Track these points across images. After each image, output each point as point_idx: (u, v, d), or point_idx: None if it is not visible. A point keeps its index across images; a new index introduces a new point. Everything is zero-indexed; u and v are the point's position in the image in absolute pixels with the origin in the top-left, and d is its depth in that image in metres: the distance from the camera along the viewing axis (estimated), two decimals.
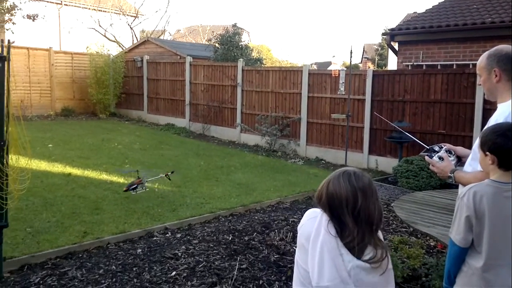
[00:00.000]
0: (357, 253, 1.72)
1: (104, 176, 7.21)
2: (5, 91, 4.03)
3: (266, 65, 17.78)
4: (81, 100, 15.64)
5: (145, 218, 5.36)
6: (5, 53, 4.08)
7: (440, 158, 2.48)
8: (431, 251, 4.68)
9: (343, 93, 8.05)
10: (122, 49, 19.44)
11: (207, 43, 18.71)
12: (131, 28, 23.14)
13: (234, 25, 15.04)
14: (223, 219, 5.61)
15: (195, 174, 7.84)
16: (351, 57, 7.35)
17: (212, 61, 13.90)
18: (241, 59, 12.18)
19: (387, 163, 8.77)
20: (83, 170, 7.51)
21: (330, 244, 1.71)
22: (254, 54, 16.94)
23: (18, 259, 4.09)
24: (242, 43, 14.77)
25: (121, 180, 7.04)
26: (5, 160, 4.14)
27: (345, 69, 8.10)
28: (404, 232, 5.33)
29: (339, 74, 9.01)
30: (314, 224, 1.78)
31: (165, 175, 6.42)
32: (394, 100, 8.92)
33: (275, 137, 10.62)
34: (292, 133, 10.58)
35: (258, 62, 14.57)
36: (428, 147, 2.60)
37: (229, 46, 14.07)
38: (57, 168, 7.59)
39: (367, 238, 1.74)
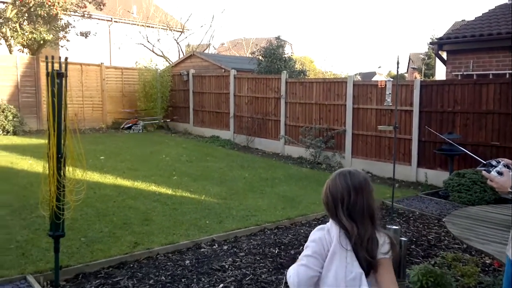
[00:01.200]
0: (371, 245, 1.86)
1: (153, 188, 7.42)
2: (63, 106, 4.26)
3: (309, 77, 17.75)
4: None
5: (193, 229, 5.46)
6: (63, 70, 4.32)
7: (499, 173, 2.38)
8: (487, 269, 4.47)
9: (390, 104, 7.89)
10: (169, 63, 20.02)
11: (250, 56, 18.93)
12: (178, 43, 23.80)
13: (278, 38, 15.16)
14: (268, 232, 5.61)
15: (240, 186, 7.91)
16: (397, 67, 7.19)
17: (256, 74, 14.04)
18: (285, 71, 12.24)
19: (437, 177, 8.49)
20: (133, 181, 7.76)
21: (340, 254, 1.87)
22: (297, 66, 16.96)
23: (73, 268, 4.26)
24: (285, 55, 14.85)
25: (170, 191, 7.22)
26: (62, 172, 4.36)
27: (391, 79, 7.93)
28: (457, 249, 5.13)
29: (385, 85, 8.85)
30: (326, 240, 1.92)
31: (163, 121, 6.81)
32: (443, 111, 8.65)
33: (320, 149, 10.54)
34: (337, 145, 10.46)
35: (302, 74, 14.58)
36: (485, 162, 2.51)
37: (273, 58, 14.18)
38: (109, 179, 7.88)
39: (371, 229, 1.89)
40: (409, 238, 5.44)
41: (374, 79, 33.28)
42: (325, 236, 1.92)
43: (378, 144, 9.70)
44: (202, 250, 4.89)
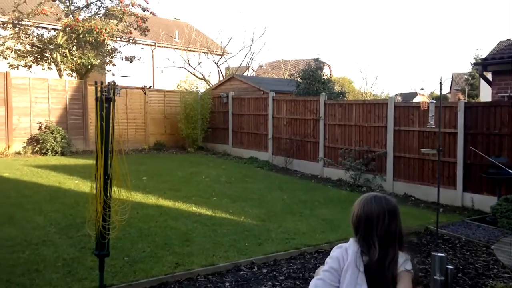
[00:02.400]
0: (392, 266, 1.95)
1: (193, 209, 7.52)
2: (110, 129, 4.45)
3: (348, 98, 17.66)
4: (172, 134, 16.62)
5: (232, 251, 5.48)
6: (111, 95, 4.52)
7: None
8: None
9: (433, 126, 7.71)
10: (209, 86, 20.47)
11: (289, 78, 19.09)
12: (218, 66, 24.32)
13: (316, 60, 15.21)
14: (308, 256, 5.55)
15: (279, 209, 7.89)
16: (441, 88, 7.05)
17: (295, 96, 14.11)
18: (323, 93, 12.23)
19: (485, 202, 8.14)
20: (174, 202, 7.90)
21: (352, 273, 1.96)
22: (336, 87, 16.92)
23: (117, 287, 4.35)
24: (324, 77, 14.86)
25: (209, 212, 7.29)
26: (108, 192, 4.51)
27: (434, 101, 7.77)
28: (507, 278, 4.88)
29: (428, 106, 8.67)
30: (343, 257, 2.02)
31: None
32: (489, 134, 8.36)
33: (360, 172, 10.38)
34: (377, 168, 10.27)
35: (341, 95, 14.51)
36: None
37: (311, 80, 14.22)
38: (151, 199, 8.06)
39: (396, 252, 1.99)
40: (456, 265, 5.23)
41: (415, 100, 32.65)
42: (343, 254, 2.03)
43: (421, 167, 9.45)
44: (242, 272, 4.89)
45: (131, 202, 7.34)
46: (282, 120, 13.36)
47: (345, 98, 14.99)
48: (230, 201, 8.24)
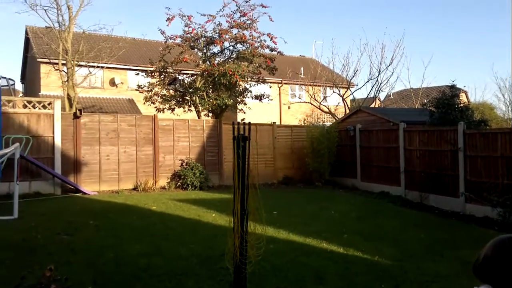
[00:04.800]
0: None
1: (324, 245, 7.43)
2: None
3: (491, 126, 16.05)
4: (299, 169, 16.84)
5: None
6: (246, 134, 4.83)
7: None
8: None
9: None
10: (335, 119, 20.42)
11: (420, 107, 18.11)
12: (343, 99, 24.22)
13: (452, 87, 14.22)
14: None
15: (416, 248, 7.38)
16: None
17: (428, 126, 13.31)
18: (461, 122, 11.32)
19: None
20: (305, 237, 7.91)
21: None
22: (476, 115, 15.54)
23: None
24: (461, 104, 13.80)
25: (341, 250, 7.14)
26: (245, 227, 4.74)
27: None
28: None
29: None
30: None
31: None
32: None
33: (510, 209, 9.24)
34: None
35: (482, 124, 13.26)
36: None
37: (447, 109, 13.29)
38: (282, 234, 8.19)
39: None
40: None
41: None
42: None
43: None
44: None
45: (265, 236, 7.57)
46: (414, 152, 12.67)
47: (487, 126, 13.67)
48: (362, 239, 7.96)
